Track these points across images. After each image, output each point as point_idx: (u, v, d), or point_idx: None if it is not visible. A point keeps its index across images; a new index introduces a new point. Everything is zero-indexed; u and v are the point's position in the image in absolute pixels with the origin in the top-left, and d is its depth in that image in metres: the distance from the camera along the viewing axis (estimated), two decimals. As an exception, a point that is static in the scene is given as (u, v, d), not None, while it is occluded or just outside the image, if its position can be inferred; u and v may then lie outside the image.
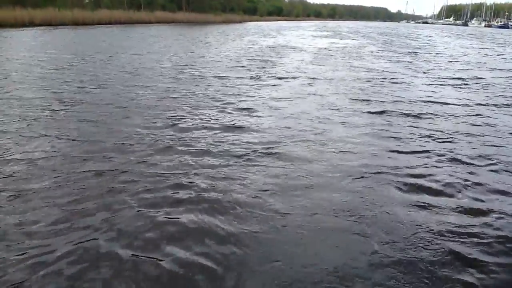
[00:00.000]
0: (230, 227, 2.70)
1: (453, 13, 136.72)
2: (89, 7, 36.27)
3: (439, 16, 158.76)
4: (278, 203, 3.03)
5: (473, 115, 5.94)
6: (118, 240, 2.52)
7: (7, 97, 6.53)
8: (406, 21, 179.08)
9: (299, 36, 27.96)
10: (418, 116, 5.79)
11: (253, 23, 60.88)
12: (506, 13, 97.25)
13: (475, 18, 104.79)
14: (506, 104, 6.77)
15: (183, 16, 47.73)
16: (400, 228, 2.74)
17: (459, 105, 6.62)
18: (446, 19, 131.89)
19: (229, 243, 2.53)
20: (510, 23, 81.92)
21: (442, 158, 4.09)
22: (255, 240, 2.55)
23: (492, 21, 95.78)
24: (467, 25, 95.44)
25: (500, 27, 78.20)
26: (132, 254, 2.40)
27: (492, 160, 4.07)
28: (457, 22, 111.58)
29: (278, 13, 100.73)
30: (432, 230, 2.72)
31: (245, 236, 2.59)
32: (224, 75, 9.21)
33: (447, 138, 4.76)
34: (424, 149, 4.36)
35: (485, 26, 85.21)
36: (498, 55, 16.73)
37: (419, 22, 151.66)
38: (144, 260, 2.35)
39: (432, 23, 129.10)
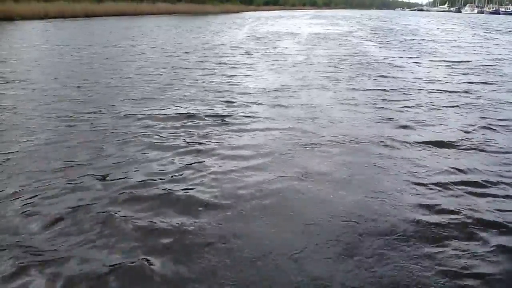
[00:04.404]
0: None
1: (447, 0, 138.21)
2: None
3: (434, 3, 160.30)
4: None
5: (446, 90, 6.99)
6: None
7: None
8: (401, 8, 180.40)
9: (296, 25, 30.00)
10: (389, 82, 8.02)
11: (250, 13, 62.64)
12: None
13: (468, 5, 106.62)
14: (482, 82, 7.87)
15: (184, 7, 49.59)
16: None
17: (428, 80, 8.25)
18: (441, 6, 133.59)
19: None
20: (501, 9, 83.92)
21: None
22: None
23: (485, 7, 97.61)
24: (460, 12, 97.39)
25: (492, 13, 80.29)
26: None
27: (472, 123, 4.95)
28: (451, 9, 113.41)
29: (274, 2, 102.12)
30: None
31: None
32: (232, 55, 11.45)
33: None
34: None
35: (477, 13, 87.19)
36: (471, 39, 18.94)
37: (414, 10, 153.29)
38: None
39: (427, 10, 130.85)
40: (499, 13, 76.92)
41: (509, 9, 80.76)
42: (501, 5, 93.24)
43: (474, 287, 2.12)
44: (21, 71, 8.48)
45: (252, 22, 31.92)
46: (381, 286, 2.09)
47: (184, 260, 2.29)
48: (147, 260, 2.28)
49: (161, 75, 8.08)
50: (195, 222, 2.68)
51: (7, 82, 7.24)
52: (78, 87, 6.88)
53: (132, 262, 2.26)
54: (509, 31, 25.02)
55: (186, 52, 11.80)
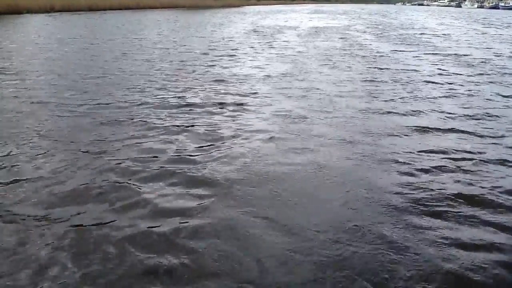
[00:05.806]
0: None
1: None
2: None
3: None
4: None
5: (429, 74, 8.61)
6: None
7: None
8: (402, 3, 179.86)
9: (296, 19, 30.58)
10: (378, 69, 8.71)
11: (251, 7, 62.95)
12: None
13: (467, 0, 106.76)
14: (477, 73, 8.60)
15: (185, 1, 50.02)
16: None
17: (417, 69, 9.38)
18: (441, 1, 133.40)
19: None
20: (501, 4, 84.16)
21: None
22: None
23: (485, 2, 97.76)
24: (460, 6, 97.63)
25: (492, 8, 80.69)
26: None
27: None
28: (451, 3, 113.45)
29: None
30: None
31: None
32: (236, 47, 12.12)
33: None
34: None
35: (478, 7, 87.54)
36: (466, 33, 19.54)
37: (415, 4, 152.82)
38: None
39: (427, 5, 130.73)
40: (498, 8, 77.28)
41: (509, 4, 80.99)
42: (501, 0, 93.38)
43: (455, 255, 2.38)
44: (28, 63, 8.89)
45: (253, 16, 32.50)
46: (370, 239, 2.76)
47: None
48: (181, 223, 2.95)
49: (168, 65, 8.71)
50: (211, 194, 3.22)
51: (14, 73, 7.58)
52: (84, 78, 7.21)
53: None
54: (507, 26, 25.62)
55: (191, 45, 12.45)
